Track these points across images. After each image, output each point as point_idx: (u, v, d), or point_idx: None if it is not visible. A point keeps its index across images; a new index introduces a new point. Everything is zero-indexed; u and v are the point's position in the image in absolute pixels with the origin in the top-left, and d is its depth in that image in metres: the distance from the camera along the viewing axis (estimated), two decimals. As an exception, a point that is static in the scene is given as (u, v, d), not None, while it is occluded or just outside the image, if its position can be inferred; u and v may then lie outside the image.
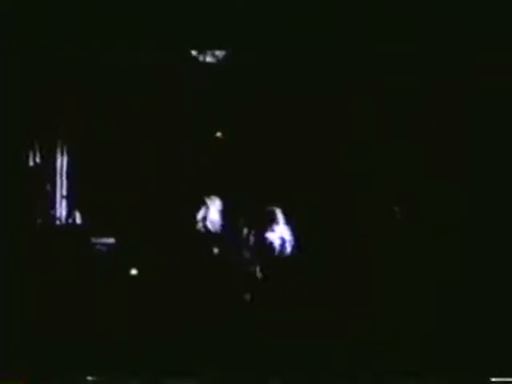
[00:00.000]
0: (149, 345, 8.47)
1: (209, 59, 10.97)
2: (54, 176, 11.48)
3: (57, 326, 8.66)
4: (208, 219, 10.56)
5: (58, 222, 11.20)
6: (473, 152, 10.41)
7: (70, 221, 10.98)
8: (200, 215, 10.65)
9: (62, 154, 11.54)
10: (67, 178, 11.57)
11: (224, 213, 10.62)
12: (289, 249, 10.09)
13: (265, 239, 10.14)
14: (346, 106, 10.89)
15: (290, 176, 11.05)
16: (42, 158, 11.16)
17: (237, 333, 8.67)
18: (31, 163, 10.99)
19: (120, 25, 10.14)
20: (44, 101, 10.78)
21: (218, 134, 11.55)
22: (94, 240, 10.41)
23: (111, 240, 10.48)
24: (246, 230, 10.28)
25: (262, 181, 11.11)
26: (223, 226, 10.49)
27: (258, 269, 9.78)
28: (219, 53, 10.88)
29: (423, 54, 10.37)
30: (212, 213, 10.57)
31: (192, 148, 11.49)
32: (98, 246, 10.37)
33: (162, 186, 11.21)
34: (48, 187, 11.30)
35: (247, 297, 9.42)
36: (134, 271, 9.80)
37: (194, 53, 10.90)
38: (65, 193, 11.51)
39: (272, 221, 10.30)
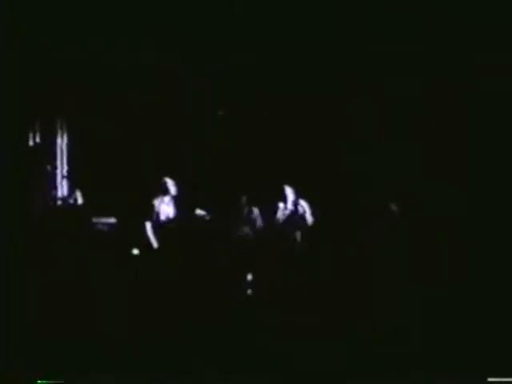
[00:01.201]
0: (148, 343, 8.49)
1: (209, 59, 10.97)
2: (55, 156, 11.42)
3: (57, 306, 8.73)
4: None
5: (59, 202, 11.13)
6: (473, 151, 10.43)
7: (72, 201, 10.89)
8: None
9: (63, 134, 11.49)
10: (68, 157, 11.51)
11: (227, 194, 10.60)
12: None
13: (267, 218, 10.15)
14: (346, 105, 10.90)
15: (293, 162, 11.03)
16: (42, 138, 11.10)
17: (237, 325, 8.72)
18: (31, 143, 10.93)
19: (120, 25, 10.16)
20: (45, 97, 10.80)
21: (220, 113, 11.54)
22: (95, 220, 10.34)
23: (112, 220, 10.45)
24: (247, 209, 10.26)
25: (265, 168, 11.12)
26: (224, 207, 10.46)
27: (260, 249, 9.79)
28: (219, 53, 10.87)
29: (423, 53, 10.38)
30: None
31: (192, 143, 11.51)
32: (99, 226, 10.33)
33: (163, 169, 11.20)
34: (49, 167, 11.24)
35: (249, 277, 9.42)
36: (135, 251, 9.81)
37: (194, 53, 10.91)
38: (65, 173, 11.46)
39: (276, 201, 10.30)
